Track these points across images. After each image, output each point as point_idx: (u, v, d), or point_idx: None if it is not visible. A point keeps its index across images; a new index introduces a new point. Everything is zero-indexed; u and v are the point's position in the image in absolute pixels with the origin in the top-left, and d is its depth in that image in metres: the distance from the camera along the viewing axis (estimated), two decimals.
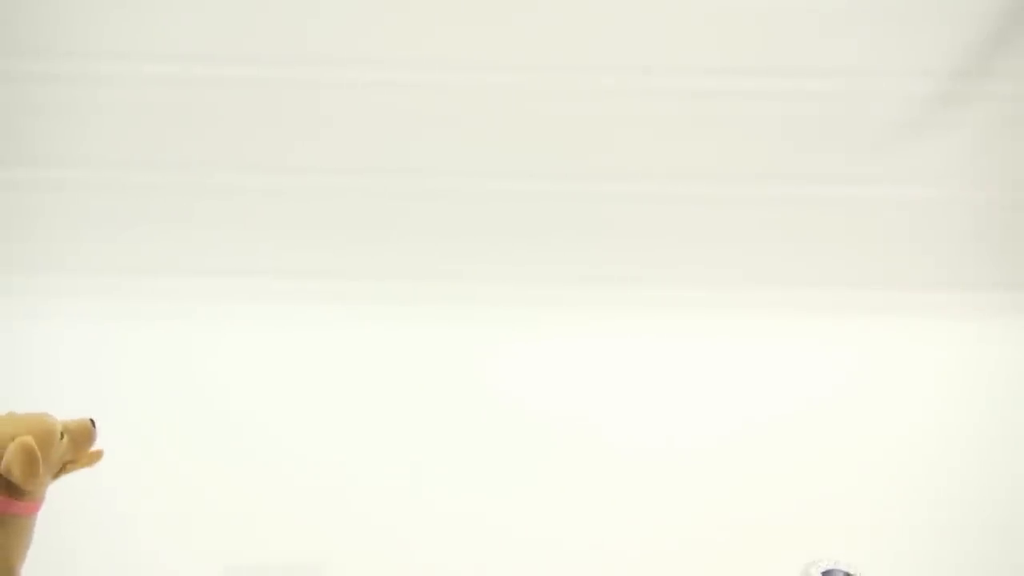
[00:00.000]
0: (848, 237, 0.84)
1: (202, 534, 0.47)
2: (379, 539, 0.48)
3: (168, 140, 0.84)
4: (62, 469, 0.40)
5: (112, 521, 0.46)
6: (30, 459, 0.37)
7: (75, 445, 0.40)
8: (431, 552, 0.47)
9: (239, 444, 0.58)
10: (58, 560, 0.38)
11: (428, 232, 0.84)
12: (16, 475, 0.36)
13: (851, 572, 0.43)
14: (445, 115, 0.83)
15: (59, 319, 0.74)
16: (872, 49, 0.83)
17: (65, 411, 0.60)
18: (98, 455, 0.41)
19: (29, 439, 0.37)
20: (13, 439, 0.37)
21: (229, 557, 0.45)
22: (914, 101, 0.84)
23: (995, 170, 0.84)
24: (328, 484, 0.53)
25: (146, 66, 0.83)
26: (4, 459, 0.36)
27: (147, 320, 0.75)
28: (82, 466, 0.41)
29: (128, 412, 0.62)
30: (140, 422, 0.60)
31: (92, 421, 0.41)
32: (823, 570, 0.44)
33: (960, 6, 0.82)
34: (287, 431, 0.59)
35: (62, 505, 0.45)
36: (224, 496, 0.51)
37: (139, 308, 0.77)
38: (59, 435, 0.39)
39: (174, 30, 0.83)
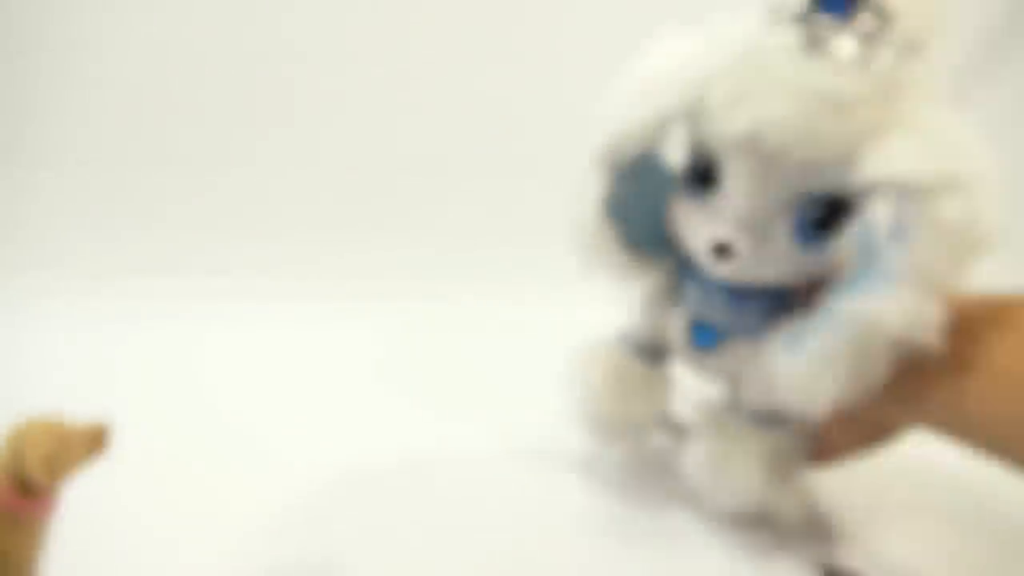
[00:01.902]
0: None
1: (199, 533, 0.47)
2: (382, 538, 0.48)
3: (168, 140, 0.84)
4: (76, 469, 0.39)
5: (108, 519, 0.46)
6: (50, 462, 0.36)
7: (89, 445, 0.39)
8: (431, 550, 0.47)
9: (239, 443, 0.58)
10: (55, 561, 0.38)
11: (430, 231, 0.84)
12: (38, 478, 0.36)
13: (851, 572, 0.43)
14: (446, 115, 0.84)
15: (57, 319, 0.74)
16: None
17: (62, 411, 0.60)
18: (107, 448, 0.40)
19: (49, 442, 0.36)
20: (32, 442, 0.36)
21: (224, 556, 0.45)
22: None
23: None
24: (330, 483, 0.52)
25: (145, 66, 0.83)
26: (26, 462, 0.36)
27: (146, 320, 0.75)
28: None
29: (127, 411, 0.62)
30: (138, 421, 0.60)
31: (106, 423, 0.40)
32: (825, 571, 0.44)
33: (960, 6, 0.82)
34: (289, 430, 0.59)
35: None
36: (223, 495, 0.51)
37: (138, 308, 0.77)
38: (75, 436, 0.38)
39: (173, 30, 0.83)
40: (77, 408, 0.60)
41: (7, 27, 0.82)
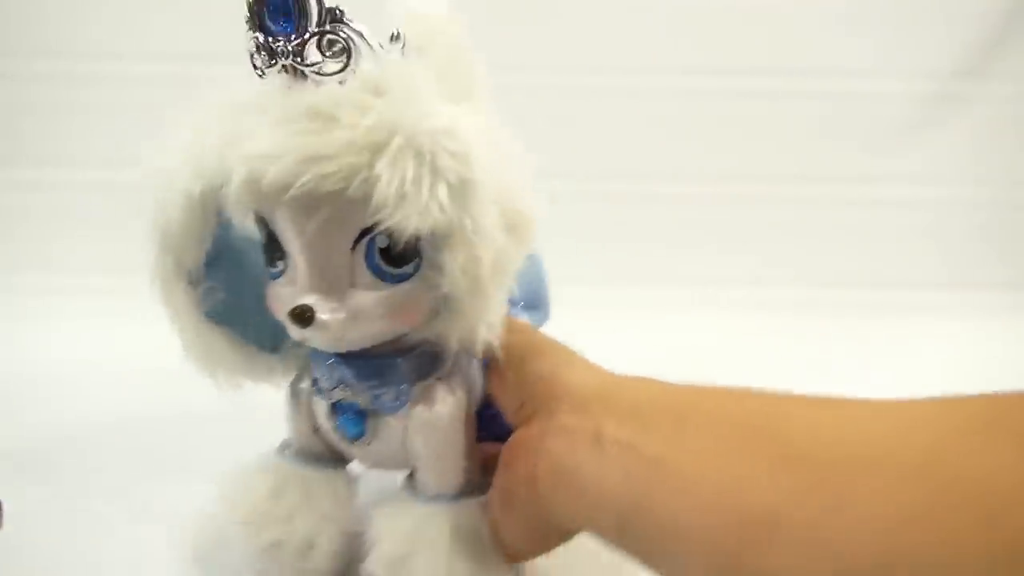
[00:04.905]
0: (846, 237, 0.84)
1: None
2: None
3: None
4: None
5: (107, 519, 0.46)
6: None
7: None
8: None
9: (240, 444, 0.57)
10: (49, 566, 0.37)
11: None
12: None
13: None
14: None
15: (58, 319, 0.74)
16: (872, 49, 0.83)
17: (63, 411, 0.60)
18: None
19: None
20: None
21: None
22: (914, 101, 0.84)
23: (995, 170, 0.85)
24: None
25: (145, 66, 0.83)
26: None
27: (147, 320, 0.75)
28: None
29: (128, 411, 0.62)
30: (139, 421, 0.60)
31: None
32: None
33: (960, 6, 0.82)
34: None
35: (54, 504, 0.45)
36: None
37: (138, 308, 0.76)
38: None
39: (174, 30, 0.83)
40: (75, 408, 0.60)
41: (7, 27, 0.82)
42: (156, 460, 0.54)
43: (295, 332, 0.35)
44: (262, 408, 0.62)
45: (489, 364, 0.38)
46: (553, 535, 0.37)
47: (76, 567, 0.42)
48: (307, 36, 0.33)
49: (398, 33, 0.34)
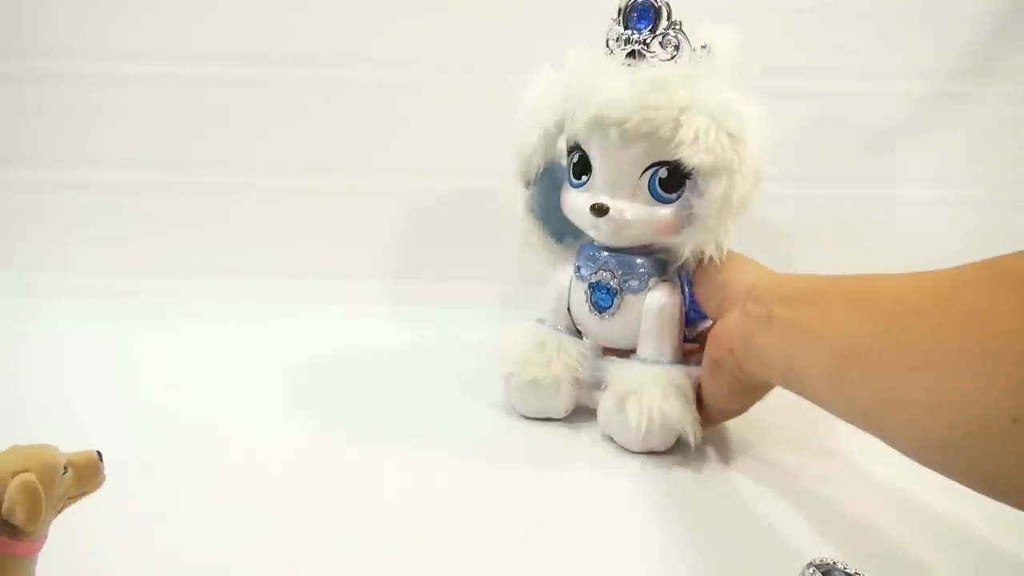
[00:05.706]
0: (846, 237, 0.84)
1: (205, 536, 0.47)
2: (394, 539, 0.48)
3: (168, 140, 0.84)
4: (65, 504, 0.36)
5: (111, 526, 0.46)
6: (33, 499, 0.33)
7: (79, 480, 0.35)
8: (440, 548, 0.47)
9: (243, 445, 0.58)
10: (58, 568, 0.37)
11: (433, 233, 0.84)
12: (19, 517, 0.32)
13: (851, 572, 0.43)
14: (448, 115, 0.84)
15: (59, 319, 0.74)
16: (872, 49, 0.83)
17: (65, 411, 0.60)
18: (101, 480, 0.37)
19: (32, 477, 0.33)
20: (13, 476, 0.33)
21: (232, 562, 0.45)
22: (914, 101, 0.84)
23: (995, 170, 0.85)
24: (340, 486, 0.52)
25: (146, 66, 0.83)
26: (5, 500, 0.32)
27: (148, 320, 0.75)
28: (85, 495, 0.37)
29: (129, 412, 0.62)
30: (141, 422, 0.60)
31: (99, 454, 0.36)
32: (823, 570, 0.44)
33: (960, 6, 0.82)
34: (293, 432, 0.59)
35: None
36: (227, 497, 0.50)
37: (139, 308, 0.77)
38: (62, 470, 0.35)
39: (174, 30, 0.83)
40: (77, 408, 0.60)
41: (8, 27, 0.82)
42: (163, 461, 0.54)
43: (589, 221, 0.55)
44: (263, 407, 0.62)
45: (694, 276, 0.56)
46: (747, 393, 0.54)
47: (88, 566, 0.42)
48: (655, 35, 0.52)
49: (707, 44, 0.53)
